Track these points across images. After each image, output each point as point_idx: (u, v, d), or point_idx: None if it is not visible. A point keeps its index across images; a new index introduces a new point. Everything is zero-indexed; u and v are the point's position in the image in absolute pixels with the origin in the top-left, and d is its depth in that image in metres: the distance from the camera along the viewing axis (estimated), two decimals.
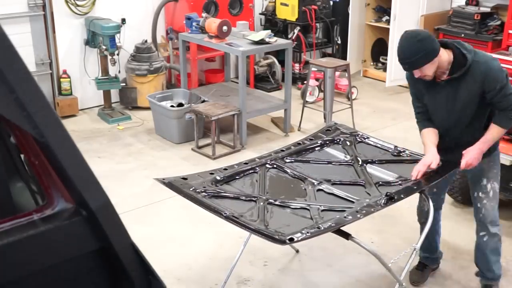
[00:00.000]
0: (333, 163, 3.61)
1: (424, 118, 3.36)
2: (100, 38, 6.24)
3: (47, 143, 1.34)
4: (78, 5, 6.46)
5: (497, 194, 3.38)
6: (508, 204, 4.44)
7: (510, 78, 3.11)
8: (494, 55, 3.45)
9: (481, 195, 3.36)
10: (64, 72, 6.54)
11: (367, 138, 3.86)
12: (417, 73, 3.11)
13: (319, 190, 3.26)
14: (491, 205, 3.36)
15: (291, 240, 2.67)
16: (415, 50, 3.00)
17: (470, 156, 3.18)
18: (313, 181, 3.34)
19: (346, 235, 3.06)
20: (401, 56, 3.07)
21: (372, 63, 8.27)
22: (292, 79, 6.27)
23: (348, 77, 6.43)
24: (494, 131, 3.17)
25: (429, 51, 3.01)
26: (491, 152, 3.30)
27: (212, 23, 5.84)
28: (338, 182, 3.33)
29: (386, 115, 6.78)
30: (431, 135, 3.31)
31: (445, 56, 3.09)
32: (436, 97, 3.24)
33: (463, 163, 3.18)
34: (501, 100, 3.09)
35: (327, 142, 3.80)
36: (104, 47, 6.23)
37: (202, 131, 5.97)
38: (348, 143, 3.78)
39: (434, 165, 3.20)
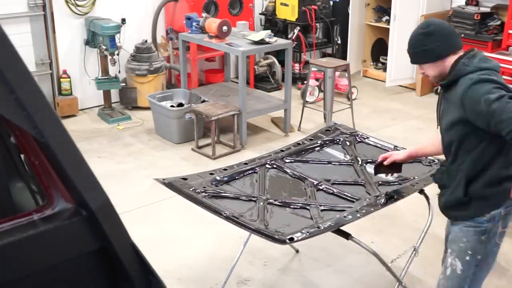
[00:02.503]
0: (333, 163, 3.61)
1: None
2: (100, 38, 6.24)
3: (47, 143, 1.34)
4: (78, 5, 6.46)
5: (459, 277, 2.60)
6: None
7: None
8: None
9: (442, 268, 2.71)
10: (64, 72, 6.53)
11: (367, 138, 3.87)
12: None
13: (319, 190, 3.26)
14: (444, 285, 2.68)
15: (291, 239, 2.68)
16: (415, 43, 2.55)
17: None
18: (313, 181, 3.34)
19: (346, 235, 3.06)
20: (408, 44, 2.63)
21: (372, 63, 8.27)
22: (292, 79, 6.27)
23: (348, 77, 6.43)
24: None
25: (428, 50, 2.51)
26: (466, 219, 2.57)
27: (212, 23, 5.84)
28: (338, 182, 3.33)
29: (386, 115, 6.77)
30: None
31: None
32: (437, 108, 2.70)
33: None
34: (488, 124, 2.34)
35: (327, 142, 3.81)
36: (104, 47, 6.23)
37: (202, 131, 5.97)
38: (348, 143, 3.78)
39: (386, 162, 3.03)
